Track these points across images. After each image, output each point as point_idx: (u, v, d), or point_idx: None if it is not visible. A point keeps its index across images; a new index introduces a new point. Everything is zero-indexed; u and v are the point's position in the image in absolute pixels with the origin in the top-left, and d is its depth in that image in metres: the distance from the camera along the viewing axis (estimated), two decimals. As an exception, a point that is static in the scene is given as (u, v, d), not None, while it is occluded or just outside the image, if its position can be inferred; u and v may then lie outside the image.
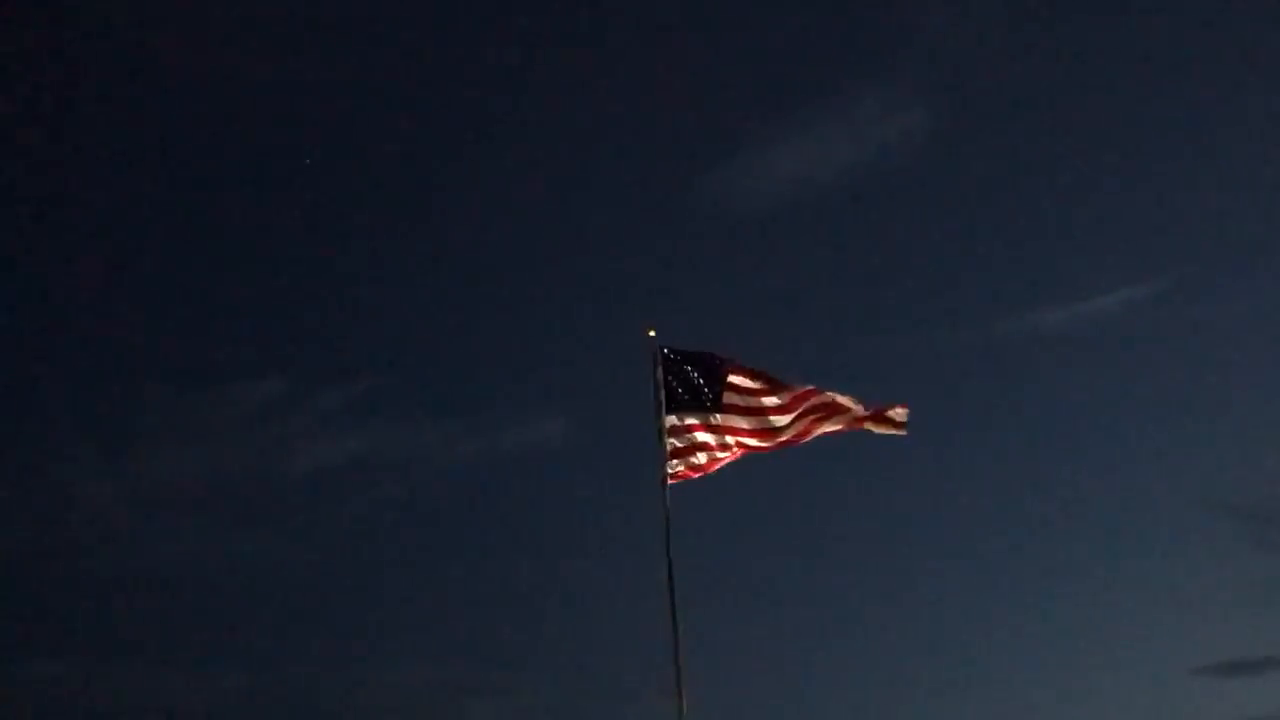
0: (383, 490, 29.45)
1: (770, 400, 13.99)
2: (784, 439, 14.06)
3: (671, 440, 13.75)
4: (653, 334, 13.94)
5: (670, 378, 13.87)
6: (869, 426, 14.17)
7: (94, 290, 30.32)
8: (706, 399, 13.90)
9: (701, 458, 13.86)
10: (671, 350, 13.97)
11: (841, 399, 14.11)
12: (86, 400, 29.18)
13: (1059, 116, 30.60)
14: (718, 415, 13.89)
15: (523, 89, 31.05)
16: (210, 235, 30.72)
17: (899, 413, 14.17)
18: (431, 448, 30.01)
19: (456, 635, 27.49)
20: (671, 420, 13.80)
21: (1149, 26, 30.04)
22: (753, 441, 13.99)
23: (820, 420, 14.10)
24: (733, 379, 13.98)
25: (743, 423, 13.93)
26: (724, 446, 13.91)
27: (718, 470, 14.00)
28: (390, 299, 31.08)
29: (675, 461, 13.73)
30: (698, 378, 13.92)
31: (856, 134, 30.06)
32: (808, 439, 14.12)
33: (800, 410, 14.05)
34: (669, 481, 13.62)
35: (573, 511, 28.66)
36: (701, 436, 13.87)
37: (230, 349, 30.10)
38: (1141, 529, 28.25)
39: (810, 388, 14.15)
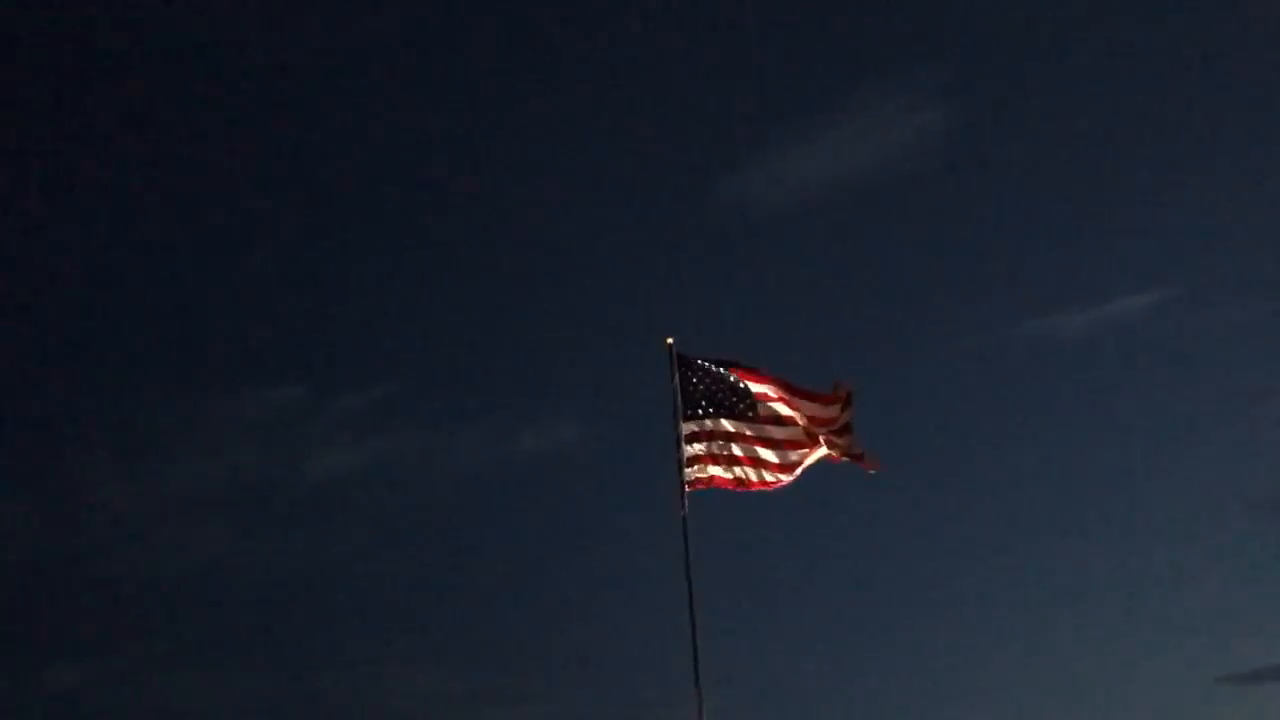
0: (400, 495, 29.45)
1: (796, 413, 13.87)
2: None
3: (689, 447, 13.66)
4: (670, 341, 13.86)
5: (689, 385, 13.77)
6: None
7: (111, 295, 30.42)
8: (727, 407, 13.81)
9: (721, 469, 13.75)
10: (691, 357, 13.87)
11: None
12: (104, 406, 29.27)
13: (1078, 120, 30.52)
14: (733, 422, 13.79)
15: (540, 93, 31.07)
16: (229, 241, 30.82)
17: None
18: (449, 453, 30.01)
19: (475, 641, 27.47)
20: (690, 428, 13.71)
21: (1169, 33, 29.96)
22: (775, 459, 13.90)
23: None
24: (755, 389, 13.87)
25: (775, 433, 13.84)
26: (753, 461, 13.79)
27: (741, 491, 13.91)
28: (408, 305, 31.12)
29: (694, 469, 13.64)
30: (717, 386, 13.82)
31: (873, 137, 30.00)
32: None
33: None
34: (688, 489, 13.53)
35: (590, 517, 28.63)
36: (720, 447, 13.76)
37: (248, 355, 30.19)
38: (1165, 532, 28.13)
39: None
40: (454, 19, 30.81)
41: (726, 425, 13.78)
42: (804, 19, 30.33)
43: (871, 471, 13.90)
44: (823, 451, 13.81)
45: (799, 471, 13.86)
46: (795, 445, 13.85)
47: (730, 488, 13.80)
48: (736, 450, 13.77)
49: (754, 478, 13.81)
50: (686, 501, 13.47)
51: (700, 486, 13.64)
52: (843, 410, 13.81)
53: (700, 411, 13.76)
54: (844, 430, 13.79)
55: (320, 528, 28.88)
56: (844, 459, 13.83)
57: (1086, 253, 30.40)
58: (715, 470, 13.73)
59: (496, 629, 27.47)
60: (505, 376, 30.35)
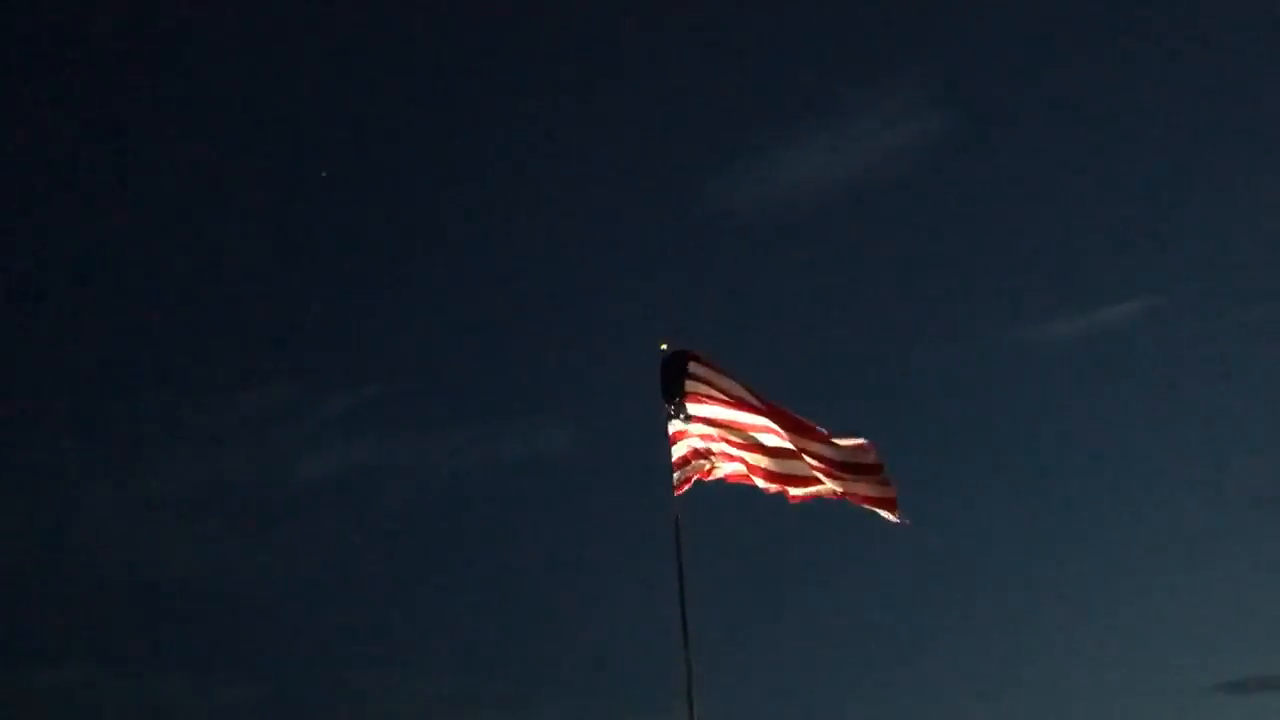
0: (389, 498, 29.38)
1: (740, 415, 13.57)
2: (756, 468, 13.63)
3: (675, 449, 13.56)
4: (664, 346, 13.77)
5: (670, 384, 13.64)
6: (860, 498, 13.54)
7: (99, 294, 30.28)
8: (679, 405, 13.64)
9: (706, 463, 13.64)
10: (671, 355, 13.73)
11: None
12: (90, 405, 29.16)
13: (1066, 127, 30.54)
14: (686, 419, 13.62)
15: (527, 97, 31.01)
16: (216, 240, 30.71)
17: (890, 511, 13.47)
18: (438, 455, 29.94)
19: (464, 645, 27.40)
20: (673, 428, 13.60)
21: (1161, 38, 29.97)
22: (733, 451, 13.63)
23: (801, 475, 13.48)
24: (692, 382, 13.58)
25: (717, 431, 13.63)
26: (711, 453, 13.64)
27: (722, 478, 13.73)
28: (397, 306, 31.04)
29: (680, 471, 13.54)
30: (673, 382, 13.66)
31: (862, 142, 29.97)
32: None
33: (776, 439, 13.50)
34: (676, 493, 13.43)
35: (581, 521, 28.56)
36: (703, 443, 13.64)
37: (236, 355, 30.09)
38: (1158, 539, 28.14)
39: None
40: (445, 20, 30.77)
41: (710, 423, 13.60)
42: (793, 23, 30.33)
43: (897, 521, 13.45)
44: (829, 487, 13.37)
45: (798, 492, 13.60)
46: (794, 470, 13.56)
47: (717, 477, 13.69)
48: (720, 446, 13.64)
49: (732, 470, 13.66)
50: (677, 504, 13.38)
51: (687, 486, 13.52)
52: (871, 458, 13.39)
53: (683, 410, 13.62)
54: (871, 477, 13.37)
55: (309, 530, 28.80)
56: (867, 504, 13.45)
57: (1076, 260, 30.46)
58: (700, 465, 13.62)
59: (487, 633, 27.43)
60: (494, 379, 30.31)
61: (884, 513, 13.17)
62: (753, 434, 13.49)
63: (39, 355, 29.43)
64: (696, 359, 13.47)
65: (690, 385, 13.41)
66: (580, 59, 31.00)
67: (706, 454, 13.60)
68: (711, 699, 12.89)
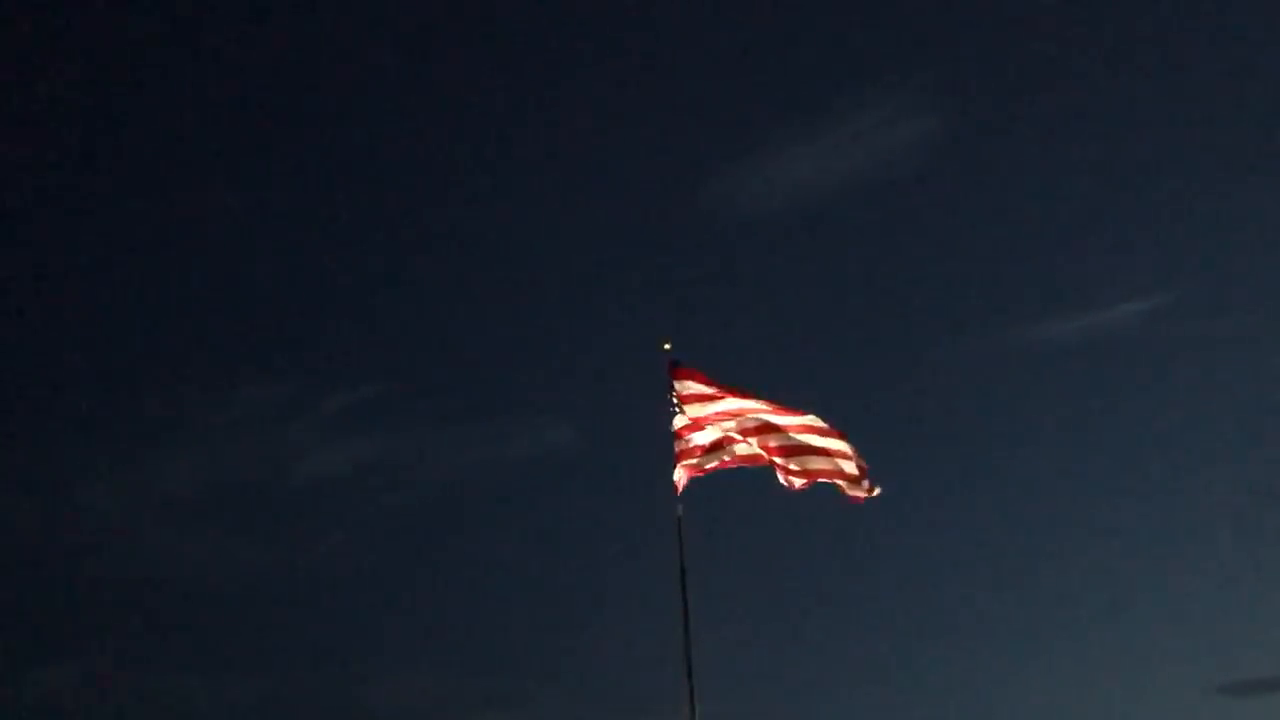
0: (389, 497, 29.35)
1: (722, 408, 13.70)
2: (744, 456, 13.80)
3: (678, 444, 13.59)
4: (668, 346, 13.81)
5: (678, 384, 13.71)
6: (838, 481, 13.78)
7: (99, 294, 30.27)
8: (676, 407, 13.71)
9: (709, 456, 13.70)
10: (686, 369, 13.82)
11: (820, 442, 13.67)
12: (91, 405, 29.14)
13: (1069, 126, 30.52)
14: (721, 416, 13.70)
15: (530, 96, 31.01)
16: (216, 239, 30.69)
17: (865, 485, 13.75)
18: (439, 454, 29.91)
19: (465, 644, 27.36)
20: (678, 423, 13.64)
21: (1160, 39, 29.98)
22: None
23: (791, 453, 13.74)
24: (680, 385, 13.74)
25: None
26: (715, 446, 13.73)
27: (715, 470, 13.80)
28: (398, 304, 31.01)
29: (683, 465, 13.57)
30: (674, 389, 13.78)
31: (865, 141, 29.96)
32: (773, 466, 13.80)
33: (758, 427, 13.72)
34: (677, 490, 13.45)
35: (583, 520, 28.55)
36: (707, 436, 13.70)
37: (236, 354, 30.06)
38: (1163, 540, 28.09)
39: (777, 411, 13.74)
40: (448, 21, 30.78)
41: (714, 415, 13.68)
42: (794, 24, 30.35)
43: (876, 491, 13.73)
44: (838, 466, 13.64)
45: (798, 481, 13.74)
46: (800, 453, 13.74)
47: (723, 467, 13.76)
48: (723, 435, 13.70)
49: (742, 452, 13.75)
50: (680, 504, 13.39)
51: (692, 475, 13.55)
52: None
53: (687, 408, 13.67)
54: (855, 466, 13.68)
55: (309, 528, 28.78)
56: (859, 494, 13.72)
57: (1079, 259, 30.44)
58: (703, 460, 13.66)
59: (488, 632, 27.40)
60: (496, 378, 30.30)
61: (865, 487, 13.65)
62: (757, 428, 13.66)
63: (39, 355, 29.45)
64: (680, 374, 13.65)
65: (680, 406, 13.58)
66: (581, 60, 31.05)
67: (711, 449, 13.67)
68: (712, 699, 12.91)
